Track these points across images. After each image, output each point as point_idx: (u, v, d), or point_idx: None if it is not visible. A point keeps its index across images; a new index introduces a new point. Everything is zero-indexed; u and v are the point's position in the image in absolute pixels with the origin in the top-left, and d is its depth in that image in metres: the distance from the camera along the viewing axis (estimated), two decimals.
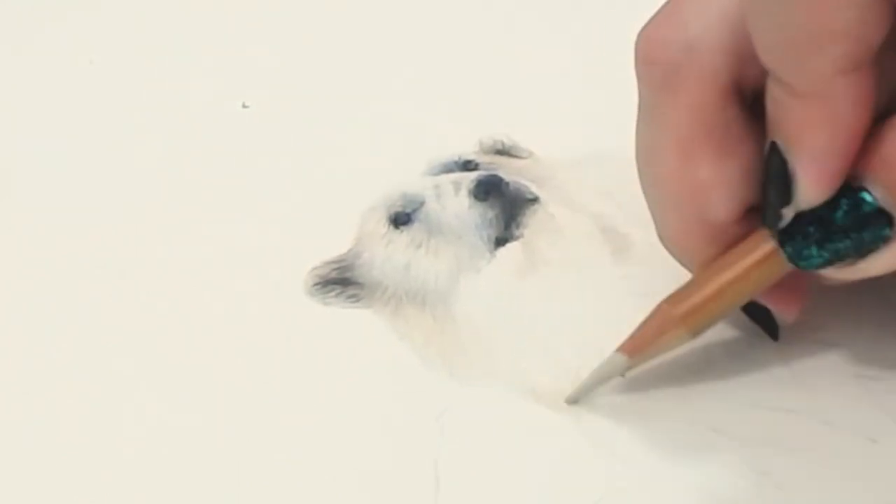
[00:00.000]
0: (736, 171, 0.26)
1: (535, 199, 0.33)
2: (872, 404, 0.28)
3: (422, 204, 0.33)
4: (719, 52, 0.26)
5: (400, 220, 0.33)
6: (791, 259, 0.26)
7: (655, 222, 0.28)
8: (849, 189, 0.24)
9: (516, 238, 0.32)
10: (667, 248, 0.29)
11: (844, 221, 0.25)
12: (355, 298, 0.32)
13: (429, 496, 0.27)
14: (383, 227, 0.33)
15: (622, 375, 0.28)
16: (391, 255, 0.32)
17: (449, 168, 0.34)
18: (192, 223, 0.35)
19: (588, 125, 0.36)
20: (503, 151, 0.35)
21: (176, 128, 0.38)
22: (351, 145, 0.36)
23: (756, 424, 0.28)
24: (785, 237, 0.26)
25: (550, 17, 0.41)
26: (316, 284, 0.32)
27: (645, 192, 0.28)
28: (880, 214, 0.24)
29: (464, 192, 0.33)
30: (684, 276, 0.28)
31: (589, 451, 0.28)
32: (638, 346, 0.28)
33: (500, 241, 0.32)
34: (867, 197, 0.24)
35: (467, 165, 0.34)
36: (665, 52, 0.26)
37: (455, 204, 0.33)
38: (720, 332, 0.30)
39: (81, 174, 0.37)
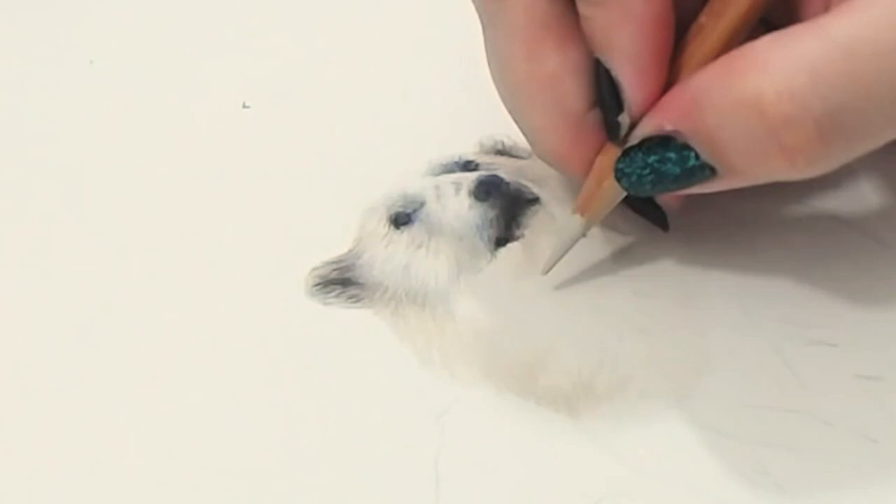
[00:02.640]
0: (580, 57, 0.28)
1: (535, 200, 0.33)
2: (872, 404, 0.28)
3: (422, 204, 0.33)
4: None
5: (400, 220, 0.33)
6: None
7: (525, 134, 0.30)
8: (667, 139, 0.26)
9: (517, 238, 0.32)
10: (543, 158, 0.30)
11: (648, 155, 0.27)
12: (356, 299, 0.32)
13: (429, 496, 0.27)
14: (384, 227, 0.33)
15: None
16: (392, 255, 0.32)
17: (449, 168, 0.34)
18: (192, 223, 0.35)
19: None
20: (503, 152, 0.35)
21: (176, 128, 0.38)
22: (351, 145, 0.36)
23: (756, 424, 0.28)
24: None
25: None
26: (316, 285, 0.32)
27: (506, 104, 0.30)
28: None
29: (464, 193, 0.33)
30: (686, 276, 0.28)
31: (589, 452, 0.28)
32: (585, 201, 0.29)
33: (501, 242, 0.32)
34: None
35: (468, 166, 0.34)
36: None
37: (455, 204, 0.33)
38: (720, 331, 0.30)
39: (81, 174, 0.37)
